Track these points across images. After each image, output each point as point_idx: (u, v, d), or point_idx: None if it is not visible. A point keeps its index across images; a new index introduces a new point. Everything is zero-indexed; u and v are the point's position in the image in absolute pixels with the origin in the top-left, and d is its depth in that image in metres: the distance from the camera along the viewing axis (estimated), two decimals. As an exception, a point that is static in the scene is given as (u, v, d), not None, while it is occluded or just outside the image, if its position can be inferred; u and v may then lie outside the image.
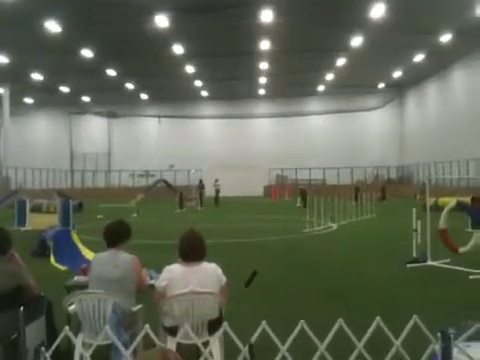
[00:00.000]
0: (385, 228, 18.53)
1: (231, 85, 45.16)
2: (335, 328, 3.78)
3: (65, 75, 40.09)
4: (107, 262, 4.68)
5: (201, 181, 36.59)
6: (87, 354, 3.65)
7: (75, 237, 11.90)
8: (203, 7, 26.20)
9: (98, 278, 4.58)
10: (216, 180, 37.26)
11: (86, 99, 52.06)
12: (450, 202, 11.17)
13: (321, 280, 9.38)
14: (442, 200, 19.06)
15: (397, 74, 43.07)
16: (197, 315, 4.25)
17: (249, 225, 19.99)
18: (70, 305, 4.51)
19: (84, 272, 5.26)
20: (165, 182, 38.38)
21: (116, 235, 4.86)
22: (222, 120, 54.13)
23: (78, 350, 4.12)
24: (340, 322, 3.80)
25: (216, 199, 35.65)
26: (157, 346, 1.98)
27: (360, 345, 3.81)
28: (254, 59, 37.18)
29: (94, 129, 55.39)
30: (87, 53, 33.61)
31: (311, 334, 3.75)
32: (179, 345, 4.15)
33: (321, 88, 48.83)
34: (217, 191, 36.77)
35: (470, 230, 10.58)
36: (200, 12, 26.49)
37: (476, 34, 29.70)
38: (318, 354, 3.75)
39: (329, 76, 43.10)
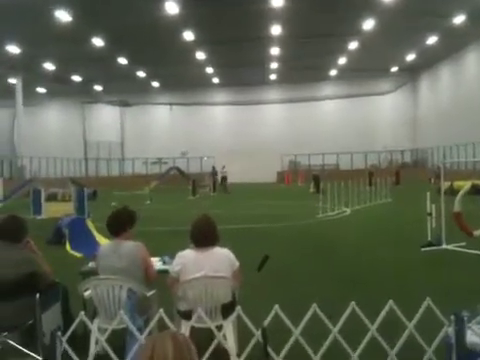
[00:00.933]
0: (399, 212, 18.42)
1: (242, 71, 44.96)
2: (348, 311, 3.79)
3: (77, 64, 40.25)
4: (111, 253, 4.65)
5: (214, 168, 36.54)
6: (103, 338, 3.72)
7: (90, 224, 12.03)
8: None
9: (104, 270, 4.58)
10: (223, 167, 36.74)
11: (98, 88, 52.24)
12: (465, 185, 11.07)
13: (334, 264, 9.38)
14: (457, 183, 18.90)
15: (410, 57, 42.53)
16: (210, 299, 4.29)
17: (262, 211, 20.00)
18: (85, 291, 4.57)
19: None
20: (178, 169, 38.47)
21: (118, 224, 4.79)
22: (233, 107, 54.02)
23: (94, 335, 4.19)
24: (353, 305, 3.82)
25: (224, 186, 35.14)
26: (168, 329, 2.02)
27: (373, 328, 3.82)
28: (265, 45, 36.93)
29: (106, 118, 55.63)
30: (98, 42, 33.65)
31: (323, 317, 3.77)
32: (193, 329, 4.19)
33: (333, 73, 48.40)
34: (224, 178, 36.16)
35: (485, 213, 10.51)
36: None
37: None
38: (331, 337, 3.78)
39: (341, 60, 42.69)
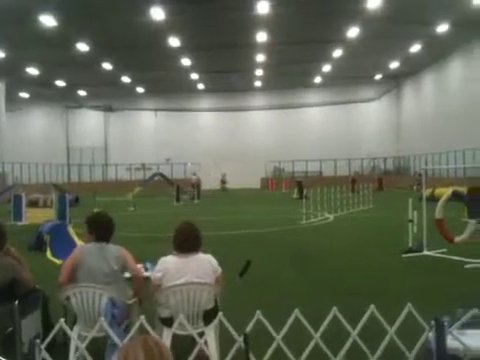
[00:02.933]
0: (381, 219, 18.57)
1: (228, 77, 45.06)
2: (329, 317, 3.80)
3: (61, 69, 39.94)
4: (98, 256, 4.60)
5: (195, 174, 36.56)
6: (82, 346, 3.68)
7: (71, 231, 11.91)
8: (199, -1, 26.11)
9: (89, 272, 4.52)
10: (223, 174, 43.06)
11: (82, 93, 51.90)
12: (446, 192, 11.20)
13: (316, 270, 9.41)
14: (439, 190, 19.11)
15: (394, 65, 43.01)
16: (192, 306, 4.27)
17: (245, 217, 20.01)
18: (66, 298, 4.51)
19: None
20: (162, 175, 38.34)
21: (109, 231, 4.78)
22: (219, 113, 54.09)
23: (74, 342, 4.14)
24: (334, 311, 3.83)
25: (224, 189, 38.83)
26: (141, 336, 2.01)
27: (354, 333, 3.84)
28: (250, 51, 37.07)
29: (90, 123, 55.27)
30: (83, 47, 33.46)
31: (305, 323, 3.78)
32: (175, 336, 4.17)
33: (318, 80, 48.74)
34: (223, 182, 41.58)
35: (466, 220, 10.61)
36: (196, 4, 26.36)
37: (472, 24, 29.71)
38: (313, 342, 3.78)
39: (326, 67, 43.01)
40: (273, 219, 18.91)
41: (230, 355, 3.67)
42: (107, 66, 39.56)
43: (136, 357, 1.84)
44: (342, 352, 3.78)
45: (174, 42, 33.50)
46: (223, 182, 46.69)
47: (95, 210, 19.74)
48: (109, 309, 4.23)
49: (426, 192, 12.27)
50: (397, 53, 38.58)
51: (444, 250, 10.38)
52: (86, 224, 4.88)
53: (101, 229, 4.76)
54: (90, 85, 47.60)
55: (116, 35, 30.92)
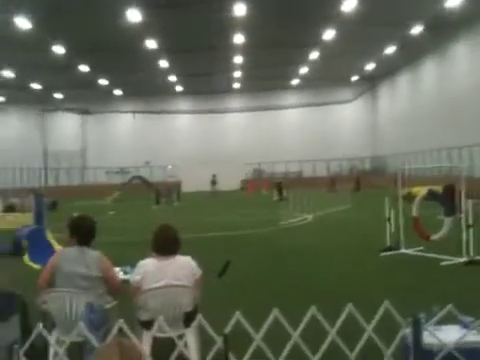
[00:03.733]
0: (359, 218, 18.79)
1: (206, 80, 45.02)
2: (308, 316, 3.85)
3: (37, 72, 39.42)
4: (77, 260, 4.55)
5: (171, 176, 36.50)
6: (61, 351, 3.65)
7: (49, 235, 11.78)
8: (176, 1, 26.04)
9: (68, 276, 4.47)
10: (214, 175, 41.49)
11: (59, 96, 51.28)
12: (422, 191, 11.39)
13: (295, 270, 9.47)
14: (415, 190, 19.38)
15: (370, 66, 43.53)
16: (172, 308, 4.27)
17: (226, 219, 20.03)
18: (45, 303, 4.47)
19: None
20: (141, 178, 38.14)
21: (91, 234, 4.73)
22: (197, 115, 54.01)
23: (52, 347, 4.11)
24: (313, 310, 3.87)
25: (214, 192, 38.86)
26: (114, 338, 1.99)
27: (333, 331, 3.89)
28: (228, 53, 37.11)
29: (67, 126, 54.64)
30: (59, 49, 33.09)
31: (284, 322, 3.82)
32: (155, 338, 4.16)
33: (295, 82, 49.05)
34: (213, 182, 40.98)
35: (441, 218, 10.81)
36: (173, 6, 26.31)
37: (445, 26, 30.25)
38: (292, 342, 3.82)
39: (303, 70, 43.32)
40: (253, 221, 18.97)
41: (210, 356, 3.69)
42: (84, 69, 39.18)
43: (111, 359, 1.85)
44: (321, 350, 3.83)
45: (151, 44, 33.36)
46: (213, 183, 42.70)
47: (74, 214, 19.59)
48: (87, 314, 4.21)
49: (403, 191, 12.45)
50: (372, 55, 39.08)
51: (421, 248, 10.56)
52: (68, 227, 4.83)
53: (83, 233, 4.70)
54: (67, 88, 47.06)
55: (93, 37, 30.66)
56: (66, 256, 4.67)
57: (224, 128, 53.31)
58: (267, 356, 3.78)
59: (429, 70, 39.56)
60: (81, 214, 4.97)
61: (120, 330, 3.60)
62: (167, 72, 42.75)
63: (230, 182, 48.72)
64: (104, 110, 53.43)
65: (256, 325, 3.81)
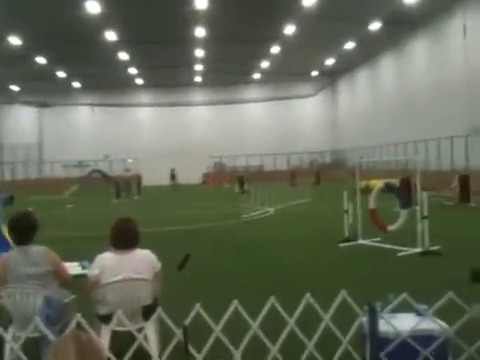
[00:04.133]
0: (319, 211, 19.09)
1: (167, 73, 44.58)
2: (267, 307, 3.89)
3: (-9, 63, 38.13)
4: (23, 262, 4.38)
5: (128, 170, 35.98)
6: (17, 346, 3.58)
7: (5, 230, 11.44)
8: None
9: (18, 280, 4.30)
10: (172, 169, 39.62)
11: (15, 88, 49.78)
12: (379, 184, 11.66)
13: (255, 262, 9.55)
14: (372, 182, 19.80)
15: (329, 62, 44.07)
16: (131, 302, 4.23)
17: (187, 213, 19.96)
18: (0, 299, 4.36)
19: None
20: (100, 172, 37.51)
21: (28, 230, 4.53)
22: (158, 108, 53.52)
23: (8, 343, 4.02)
24: (272, 300, 3.92)
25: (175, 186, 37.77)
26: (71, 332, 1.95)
27: (291, 321, 3.95)
28: (189, 46, 36.87)
29: (24, 119, 53.14)
30: (15, 40, 32.10)
31: (244, 313, 3.85)
32: (114, 332, 4.13)
33: (257, 76, 49.20)
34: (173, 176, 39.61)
35: (398, 210, 11.09)
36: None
37: (403, 22, 30.92)
38: (251, 332, 3.86)
39: (264, 64, 43.48)
40: (214, 214, 18.97)
41: (169, 349, 3.68)
42: (41, 60, 38.16)
43: (67, 353, 1.82)
44: (280, 340, 3.88)
45: (111, 36, 32.78)
46: (173, 177, 41.47)
47: (29, 209, 19.11)
48: (44, 309, 4.13)
49: (360, 184, 12.71)
50: (332, 50, 39.58)
51: (378, 239, 10.81)
52: (8, 226, 4.68)
53: (19, 232, 4.53)
54: (23, 80, 45.72)
55: (50, 28, 29.86)
56: (11, 260, 4.47)
57: (186, 122, 53.01)
58: (227, 347, 3.81)
59: (387, 66, 40.38)
60: (20, 211, 4.77)
61: (78, 324, 3.55)
62: (127, 64, 42.12)
63: (191, 176, 48.50)
64: (62, 103, 52.26)
65: (216, 317, 3.83)
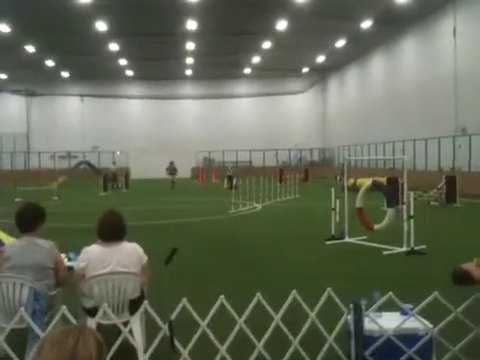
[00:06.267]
0: (306, 208, 19.15)
1: (157, 65, 44.30)
2: (253, 302, 3.90)
3: (-22, 51, 37.61)
4: (25, 251, 4.41)
5: (114, 163, 35.52)
6: (1, 338, 3.55)
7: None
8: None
9: (15, 268, 4.31)
10: (171, 162, 34.64)
11: (2, 76, 49.16)
12: (366, 182, 11.72)
13: (242, 258, 9.56)
14: (360, 180, 19.91)
15: (320, 59, 44.09)
16: (117, 295, 4.22)
17: (175, 207, 19.92)
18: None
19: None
20: (88, 164, 37.26)
21: (31, 220, 4.57)
22: (148, 101, 53.20)
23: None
24: (258, 296, 3.93)
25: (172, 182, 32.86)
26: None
27: (277, 318, 3.97)
28: (180, 39, 36.64)
29: (11, 108, 52.48)
30: (3, 28, 31.67)
31: (230, 309, 3.86)
32: (99, 325, 4.11)
33: (247, 71, 49.08)
34: (172, 171, 34.17)
35: (385, 208, 11.16)
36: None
37: (394, 21, 31.04)
38: (237, 328, 3.87)
39: (255, 59, 43.39)
40: (202, 209, 18.96)
41: (155, 343, 3.68)
42: (30, 49, 37.69)
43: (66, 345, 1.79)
44: (265, 336, 3.90)
45: (101, 26, 32.47)
46: (171, 172, 34.24)
47: (16, 200, 18.93)
48: (31, 301, 4.10)
49: (348, 182, 12.76)
50: (323, 47, 39.59)
51: (364, 237, 10.87)
52: (14, 216, 4.67)
53: (24, 220, 4.55)
54: (11, 68, 45.14)
55: (39, 16, 29.46)
56: (14, 249, 4.50)
57: (176, 115, 52.74)
58: (212, 342, 3.81)
59: (377, 64, 40.53)
60: (26, 201, 4.81)
61: (64, 317, 3.54)
62: (117, 56, 41.74)
63: (180, 170, 48.24)
64: (50, 92, 51.73)
65: (202, 312, 3.83)
